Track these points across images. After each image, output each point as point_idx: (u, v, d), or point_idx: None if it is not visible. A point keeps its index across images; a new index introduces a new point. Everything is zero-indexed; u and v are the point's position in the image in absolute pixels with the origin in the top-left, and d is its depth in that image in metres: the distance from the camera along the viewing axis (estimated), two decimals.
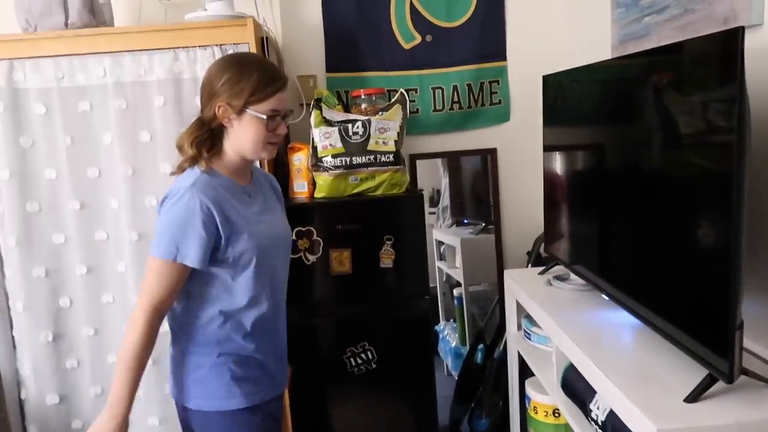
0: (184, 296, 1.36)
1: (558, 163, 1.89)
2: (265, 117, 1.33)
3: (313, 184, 2.10)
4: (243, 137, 1.35)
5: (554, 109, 1.87)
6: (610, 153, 1.53)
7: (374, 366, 2.02)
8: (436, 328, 3.61)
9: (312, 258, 1.99)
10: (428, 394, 2.08)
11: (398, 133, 2.10)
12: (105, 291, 2.01)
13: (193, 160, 1.34)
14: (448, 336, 3.41)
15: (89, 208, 1.97)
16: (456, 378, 2.76)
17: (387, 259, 2.01)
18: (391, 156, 2.06)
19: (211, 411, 1.37)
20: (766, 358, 1.21)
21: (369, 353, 2.02)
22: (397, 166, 2.06)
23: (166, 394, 1.93)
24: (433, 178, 3.92)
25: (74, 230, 1.97)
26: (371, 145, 2.05)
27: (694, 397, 1.05)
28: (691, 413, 1.02)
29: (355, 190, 2.06)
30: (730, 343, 0.98)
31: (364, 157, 2.04)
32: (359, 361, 2.02)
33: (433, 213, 3.95)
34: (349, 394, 2.06)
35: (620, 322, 1.43)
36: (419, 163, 2.64)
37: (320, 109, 2.12)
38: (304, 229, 1.99)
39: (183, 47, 1.90)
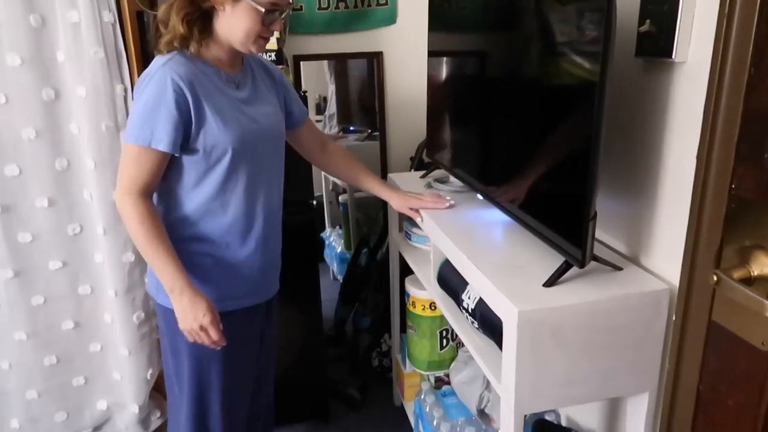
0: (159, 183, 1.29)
1: (442, 68, 1.90)
2: (263, 10, 1.23)
3: None
4: (235, 26, 1.24)
5: (439, 13, 1.85)
6: (489, 59, 1.55)
7: None
8: (322, 234, 3.66)
9: None
10: (313, 299, 2.12)
11: (281, 30, 1.98)
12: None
13: (183, 40, 1.24)
14: (334, 242, 3.48)
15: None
16: (341, 282, 2.84)
17: None
18: (273, 55, 1.96)
19: (168, 307, 1.30)
20: (612, 246, 1.36)
21: None
22: (279, 66, 1.97)
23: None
24: (320, 85, 3.83)
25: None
26: None
27: (551, 282, 1.15)
28: (549, 296, 1.13)
29: None
30: (584, 231, 1.08)
31: None
32: None
33: (320, 121, 3.89)
34: None
35: (493, 220, 1.53)
36: (304, 66, 2.55)
37: None
38: None
39: None
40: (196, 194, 1.30)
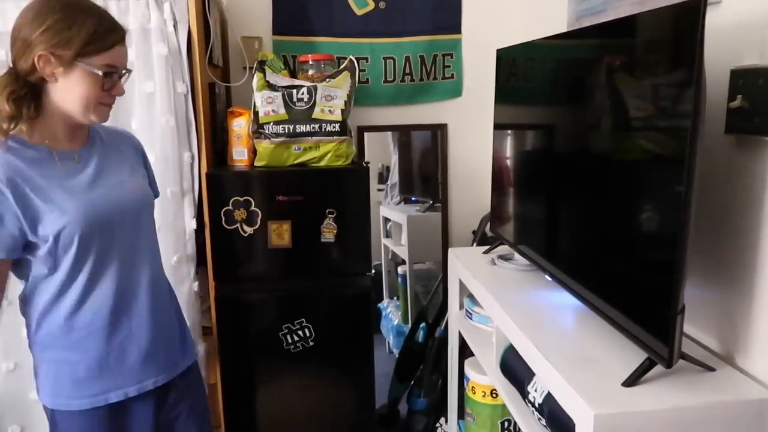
0: (24, 283, 1.24)
1: (508, 141, 1.84)
2: (100, 73, 1.15)
3: (253, 152, 1.99)
4: (70, 95, 1.15)
5: (507, 85, 1.82)
6: (560, 133, 1.49)
7: (311, 344, 1.95)
8: (379, 305, 3.58)
9: (249, 230, 1.89)
10: (367, 373, 2.03)
11: (345, 102, 2.00)
12: None
13: (11, 120, 1.11)
14: (391, 314, 3.39)
15: None
16: (396, 356, 2.72)
17: (329, 233, 1.93)
18: (338, 125, 1.96)
19: (58, 410, 1.25)
20: (702, 343, 1.21)
21: (306, 330, 1.94)
22: (343, 137, 1.97)
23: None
24: (383, 155, 3.87)
25: None
26: (316, 113, 1.95)
27: (632, 381, 1.02)
28: (629, 397, 0.99)
29: (298, 161, 1.96)
30: (671, 326, 0.95)
31: (308, 126, 1.94)
32: (296, 338, 1.94)
33: (382, 190, 3.91)
34: (284, 372, 1.98)
35: (562, 304, 1.41)
36: (368, 138, 2.56)
37: (264, 72, 1.99)
38: (241, 199, 1.88)
39: None
40: (51, 285, 1.21)
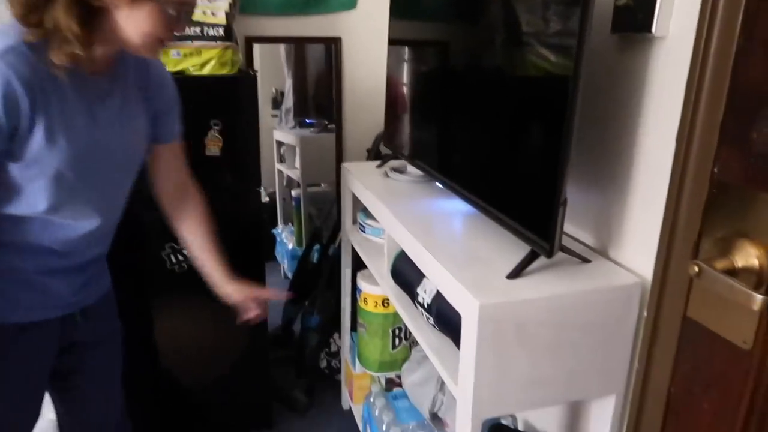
0: None
1: (403, 57, 1.79)
2: (174, 13, 1.02)
3: None
4: (134, 27, 1.01)
5: None
6: (453, 49, 1.45)
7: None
8: (274, 231, 3.50)
9: None
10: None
11: (230, 4, 1.84)
12: None
13: (77, 41, 0.97)
14: (286, 239, 3.33)
15: None
16: (291, 279, 2.70)
17: (213, 146, 1.80)
18: (221, 30, 1.80)
19: None
20: (579, 239, 1.27)
21: None
22: (228, 42, 1.82)
23: None
24: (277, 79, 3.69)
25: None
26: (197, 15, 1.77)
27: (515, 274, 1.05)
28: (512, 288, 1.02)
29: (177, 68, 1.79)
30: (554, 215, 0.98)
31: (188, 29, 1.76)
32: (180, 258, 1.84)
33: (276, 116, 3.75)
34: (169, 294, 1.88)
35: (453, 211, 1.42)
36: (261, 60, 2.40)
37: None
38: None
39: None
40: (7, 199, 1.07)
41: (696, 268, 0.89)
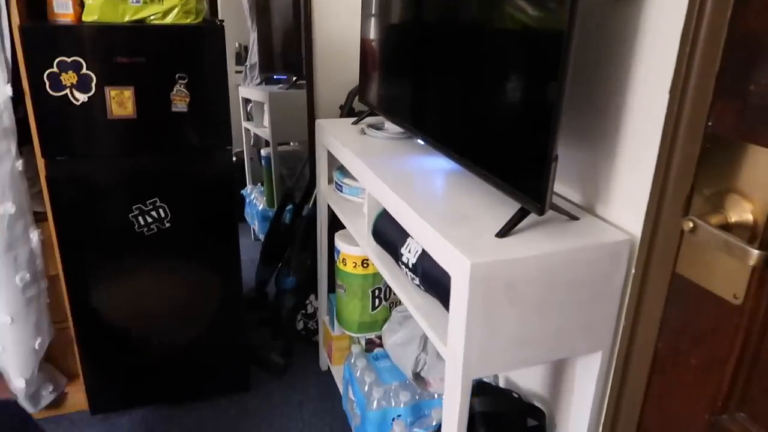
0: None
1: (378, 4, 1.70)
2: None
3: (80, 5, 1.66)
4: None
5: None
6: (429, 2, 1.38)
7: (168, 225, 1.78)
8: (243, 192, 3.42)
9: (83, 97, 1.61)
10: (231, 260, 1.91)
11: None
12: None
13: None
14: (255, 200, 3.25)
15: None
16: (263, 241, 2.64)
17: (180, 101, 1.70)
18: None
19: None
20: (568, 198, 1.25)
21: (161, 210, 1.76)
22: None
23: None
24: (241, 34, 3.53)
25: None
26: None
27: (505, 232, 1.03)
28: (503, 247, 1.00)
29: (136, 16, 1.67)
30: (546, 174, 0.95)
31: None
32: (149, 219, 1.76)
33: (240, 72, 3.60)
34: (139, 257, 1.81)
35: (436, 168, 1.38)
36: (222, 8, 2.27)
37: None
38: (69, 60, 1.58)
39: None
40: None
41: (690, 224, 0.87)
